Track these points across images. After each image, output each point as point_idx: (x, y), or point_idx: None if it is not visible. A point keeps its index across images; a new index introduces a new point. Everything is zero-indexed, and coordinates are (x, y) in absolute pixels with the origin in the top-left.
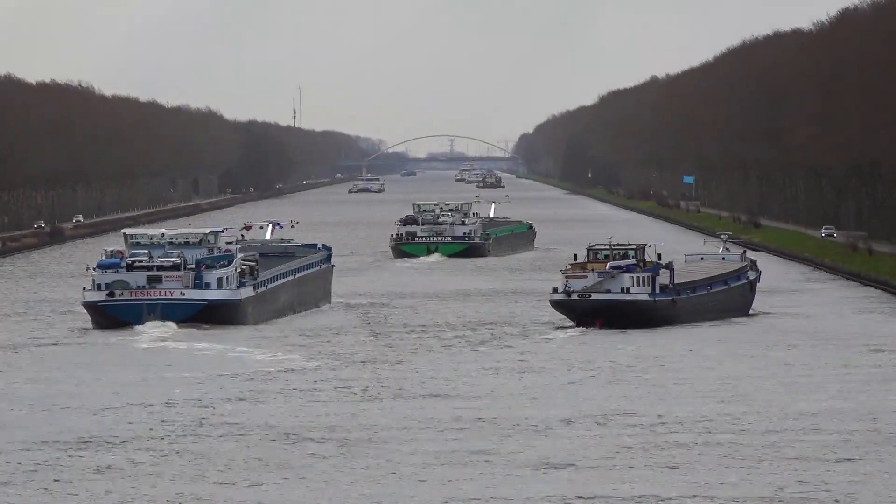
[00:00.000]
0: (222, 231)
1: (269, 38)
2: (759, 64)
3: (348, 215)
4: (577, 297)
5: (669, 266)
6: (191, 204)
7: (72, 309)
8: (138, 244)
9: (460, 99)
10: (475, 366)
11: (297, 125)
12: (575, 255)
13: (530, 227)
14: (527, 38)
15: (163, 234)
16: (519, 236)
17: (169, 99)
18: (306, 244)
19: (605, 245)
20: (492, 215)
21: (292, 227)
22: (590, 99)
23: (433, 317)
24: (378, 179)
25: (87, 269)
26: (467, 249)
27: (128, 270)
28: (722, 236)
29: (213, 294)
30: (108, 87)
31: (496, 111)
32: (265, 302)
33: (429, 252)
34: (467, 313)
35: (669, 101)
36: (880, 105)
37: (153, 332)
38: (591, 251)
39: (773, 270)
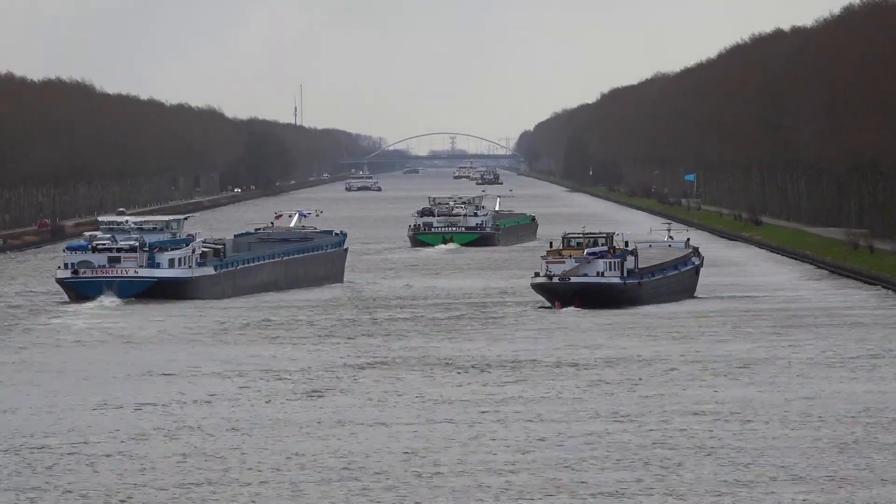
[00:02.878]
0: (185, 219)
1: (271, 35)
2: (760, 61)
3: (353, 212)
4: (557, 281)
5: (634, 252)
6: (192, 201)
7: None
8: (109, 230)
9: (461, 97)
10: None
11: (298, 123)
12: (551, 243)
13: (533, 219)
14: (526, 36)
15: (126, 221)
16: (524, 227)
17: (169, 97)
18: (324, 230)
19: (578, 234)
20: (497, 208)
21: (317, 215)
22: (591, 96)
23: (425, 298)
24: (372, 177)
25: (63, 251)
26: (480, 239)
27: (92, 252)
28: (666, 225)
29: (163, 272)
30: (108, 84)
31: (497, 109)
32: (232, 279)
33: (444, 241)
34: (456, 298)
35: (670, 99)
36: (881, 104)
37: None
38: (566, 239)
39: (771, 267)
